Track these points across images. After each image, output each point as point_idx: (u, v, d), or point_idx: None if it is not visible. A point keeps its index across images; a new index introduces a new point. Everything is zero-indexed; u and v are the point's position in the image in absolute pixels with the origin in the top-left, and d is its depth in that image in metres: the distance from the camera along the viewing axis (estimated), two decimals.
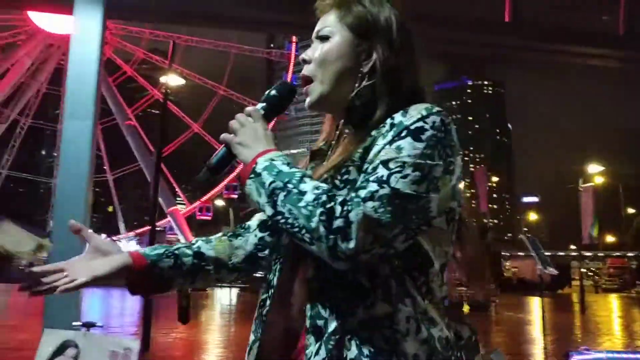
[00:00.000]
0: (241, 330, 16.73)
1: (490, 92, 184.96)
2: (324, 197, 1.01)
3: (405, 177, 1.01)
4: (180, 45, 67.70)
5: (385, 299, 1.05)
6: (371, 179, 1.02)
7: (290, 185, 1.04)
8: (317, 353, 1.04)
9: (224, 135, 1.16)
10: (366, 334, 1.03)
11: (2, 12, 46.49)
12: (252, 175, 1.09)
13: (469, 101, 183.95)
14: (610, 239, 69.52)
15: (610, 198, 54.53)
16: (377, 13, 1.21)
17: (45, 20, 48.54)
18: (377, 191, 1.00)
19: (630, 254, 57.93)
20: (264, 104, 1.21)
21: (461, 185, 1.15)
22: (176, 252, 1.29)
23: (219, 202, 67.93)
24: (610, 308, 28.44)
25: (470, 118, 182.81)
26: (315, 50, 1.22)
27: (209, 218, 78.03)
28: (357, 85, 1.18)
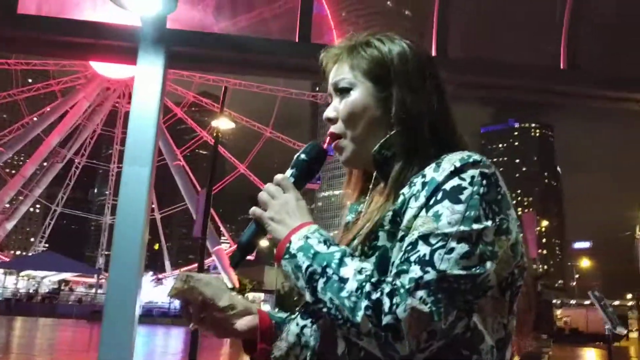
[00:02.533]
0: None
1: (538, 134, 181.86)
2: (367, 287, 0.89)
3: (450, 252, 0.88)
4: (229, 88, 69.87)
5: None
6: (412, 258, 0.90)
7: (329, 271, 0.93)
8: None
9: (253, 210, 1.07)
10: None
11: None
12: (287, 256, 0.99)
13: (516, 144, 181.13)
14: None
15: None
16: (389, 51, 1.11)
17: (104, 66, 51.03)
18: (421, 277, 0.87)
19: None
20: (293, 170, 1.12)
21: (521, 242, 0.99)
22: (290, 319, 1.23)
23: (263, 242, 68.27)
24: None
25: (517, 161, 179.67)
26: (338, 106, 1.13)
27: (252, 258, 78.50)
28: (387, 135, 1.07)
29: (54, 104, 55.42)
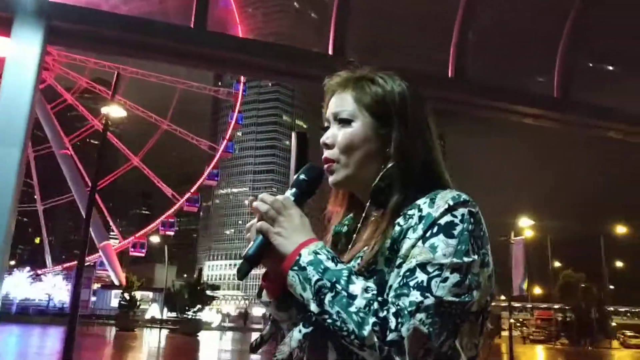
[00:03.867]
0: None
1: None
2: (375, 305, 1.00)
3: (445, 281, 1.00)
4: (125, 76, 66.86)
5: None
6: (411, 284, 1.01)
7: (338, 287, 1.02)
8: None
9: (260, 224, 1.13)
10: None
11: None
12: (296, 268, 1.07)
13: None
14: (537, 291, 71.89)
15: (539, 251, 56.73)
16: (392, 91, 1.20)
17: None
18: (422, 302, 0.99)
19: (556, 306, 59.99)
20: (295, 190, 1.18)
21: (494, 274, 1.12)
22: None
23: (154, 239, 65.99)
24: (537, 359, 29.14)
25: None
26: (337, 135, 1.20)
27: (142, 255, 75.59)
28: (382, 167, 1.17)
29: None
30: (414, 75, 5.01)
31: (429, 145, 1.19)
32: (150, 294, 55.89)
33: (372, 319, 0.98)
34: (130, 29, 3.71)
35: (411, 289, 1.00)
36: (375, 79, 1.21)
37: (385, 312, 0.99)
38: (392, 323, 0.98)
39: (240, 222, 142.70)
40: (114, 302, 47.02)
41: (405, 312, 0.98)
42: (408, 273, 1.02)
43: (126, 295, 40.30)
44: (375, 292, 1.02)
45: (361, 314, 0.99)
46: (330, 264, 1.06)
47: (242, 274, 1.14)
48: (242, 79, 71.19)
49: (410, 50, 5.04)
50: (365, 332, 0.98)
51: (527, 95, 5.19)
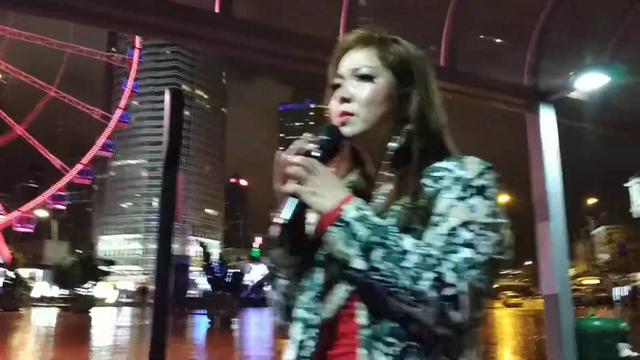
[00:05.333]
0: (63, 357, 15.25)
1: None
2: (430, 260, 1.00)
3: (488, 240, 1.04)
4: (6, 37, 61.49)
5: (447, 354, 1.04)
6: (458, 242, 1.02)
7: (389, 242, 1.02)
8: None
9: (291, 186, 1.10)
10: None
11: None
12: (340, 224, 1.05)
13: (311, 123, 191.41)
14: None
15: None
16: (415, 54, 1.22)
17: None
18: (473, 259, 1.01)
19: None
20: (320, 151, 1.16)
21: None
22: None
23: (44, 214, 62.13)
24: None
25: None
26: (357, 90, 1.19)
27: (30, 230, 70.91)
28: (397, 127, 1.19)
29: None
30: (301, 38, 4.93)
31: (442, 111, 1.22)
32: (38, 271, 52.76)
33: (429, 274, 0.99)
34: None
35: (459, 246, 1.02)
36: (399, 40, 1.23)
37: (442, 268, 0.99)
38: (450, 278, 0.98)
39: (137, 195, 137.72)
40: None
41: (461, 268, 0.99)
42: (453, 231, 1.03)
43: (10, 274, 37.68)
44: (426, 247, 1.02)
45: (417, 269, 0.99)
46: (376, 220, 1.05)
47: (283, 240, 1.14)
48: (137, 44, 67.90)
49: (299, 13, 4.93)
50: (422, 287, 0.98)
51: None
